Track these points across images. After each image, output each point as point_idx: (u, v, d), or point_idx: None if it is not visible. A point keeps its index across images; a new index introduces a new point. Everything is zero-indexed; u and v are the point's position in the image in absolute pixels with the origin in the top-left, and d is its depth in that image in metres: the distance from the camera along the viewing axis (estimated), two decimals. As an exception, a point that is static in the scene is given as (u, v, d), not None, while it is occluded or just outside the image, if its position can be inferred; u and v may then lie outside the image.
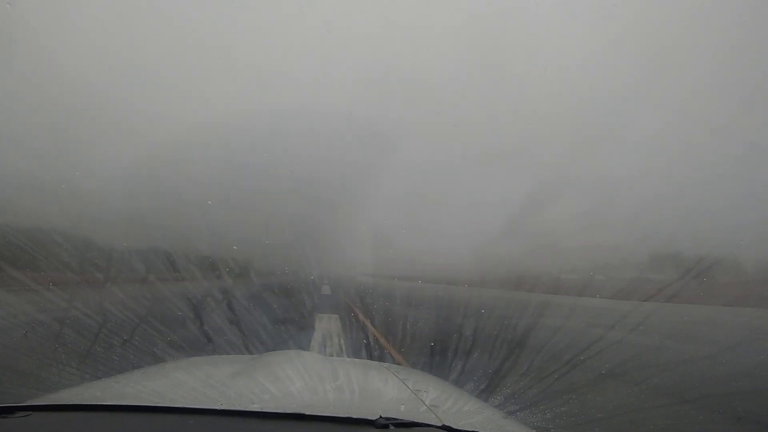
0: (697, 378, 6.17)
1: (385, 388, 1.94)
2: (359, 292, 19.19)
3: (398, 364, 5.78)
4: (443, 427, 1.31)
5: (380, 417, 1.30)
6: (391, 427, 1.28)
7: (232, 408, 1.43)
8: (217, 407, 1.42)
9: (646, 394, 5.23)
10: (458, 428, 1.31)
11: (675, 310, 13.11)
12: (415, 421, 1.33)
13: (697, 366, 6.86)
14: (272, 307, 10.76)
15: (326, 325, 9.68)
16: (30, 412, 1.36)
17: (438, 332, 8.70)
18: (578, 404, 4.49)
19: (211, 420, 1.36)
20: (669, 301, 12.84)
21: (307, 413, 1.35)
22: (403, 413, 1.45)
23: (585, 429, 3.94)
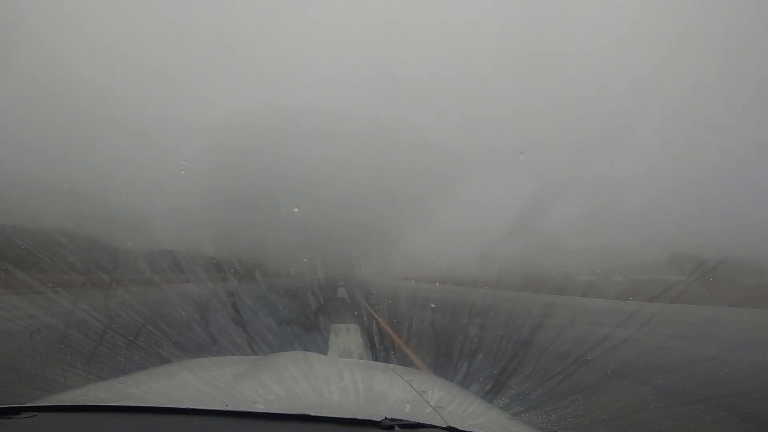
0: (713, 378, 6.15)
1: (390, 389, 1.93)
2: (373, 295, 18.84)
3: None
4: (448, 428, 1.30)
5: (385, 418, 1.30)
6: (396, 428, 1.27)
7: (236, 409, 1.43)
8: (221, 408, 1.42)
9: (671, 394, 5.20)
10: (463, 429, 1.30)
11: (694, 311, 13.08)
12: (420, 422, 1.32)
13: (707, 365, 6.85)
14: (289, 315, 10.27)
15: (344, 338, 8.26)
16: (35, 413, 1.36)
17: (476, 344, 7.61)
18: (583, 405, 4.46)
19: (216, 421, 1.36)
20: (690, 303, 12.80)
21: (311, 414, 1.35)
22: (408, 414, 1.45)
23: (591, 430, 3.91)
